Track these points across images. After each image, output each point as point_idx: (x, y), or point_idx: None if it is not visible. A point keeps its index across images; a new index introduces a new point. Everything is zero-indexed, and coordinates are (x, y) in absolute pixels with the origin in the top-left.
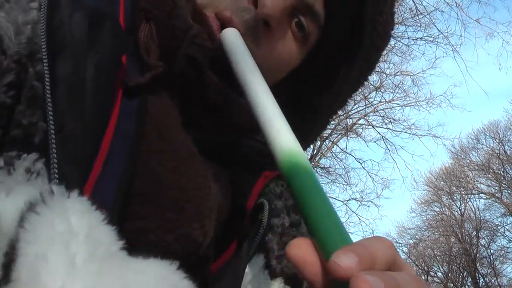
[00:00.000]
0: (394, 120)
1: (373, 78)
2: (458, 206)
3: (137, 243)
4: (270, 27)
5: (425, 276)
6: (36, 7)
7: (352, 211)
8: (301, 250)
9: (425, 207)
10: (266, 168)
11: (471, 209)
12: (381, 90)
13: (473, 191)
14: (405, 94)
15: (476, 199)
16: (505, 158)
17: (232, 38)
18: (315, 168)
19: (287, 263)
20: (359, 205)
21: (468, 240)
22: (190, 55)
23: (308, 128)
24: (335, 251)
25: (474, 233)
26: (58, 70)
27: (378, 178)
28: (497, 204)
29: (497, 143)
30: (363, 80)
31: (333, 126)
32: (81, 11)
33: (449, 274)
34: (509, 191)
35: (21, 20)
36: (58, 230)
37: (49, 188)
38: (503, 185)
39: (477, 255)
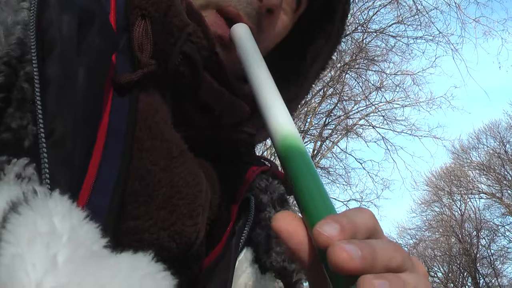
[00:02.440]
0: (395, 120)
1: (373, 77)
2: (459, 206)
3: (132, 242)
4: (273, 12)
5: None
6: (26, 7)
7: None
8: (286, 222)
9: (425, 207)
10: (252, 163)
11: (472, 209)
12: (382, 90)
13: (474, 191)
14: (405, 95)
15: (477, 199)
16: (505, 158)
17: (241, 33)
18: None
19: (276, 257)
20: (359, 206)
21: (469, 240)
22: (186, 52)
23: (294, 92)
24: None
25: (475, 233)
26: (47, 72)
27: (378, 179)
28: (497, 204)
29: (497, 143)
30: (339, 38)
31: (333, 126)
32: (71, 11)
33: (450, 274)
34: (509, 191)
35: (10, 21)
36: (40, 230)
37: (31, 188)
38: (504, 185)
39: (478, 255)
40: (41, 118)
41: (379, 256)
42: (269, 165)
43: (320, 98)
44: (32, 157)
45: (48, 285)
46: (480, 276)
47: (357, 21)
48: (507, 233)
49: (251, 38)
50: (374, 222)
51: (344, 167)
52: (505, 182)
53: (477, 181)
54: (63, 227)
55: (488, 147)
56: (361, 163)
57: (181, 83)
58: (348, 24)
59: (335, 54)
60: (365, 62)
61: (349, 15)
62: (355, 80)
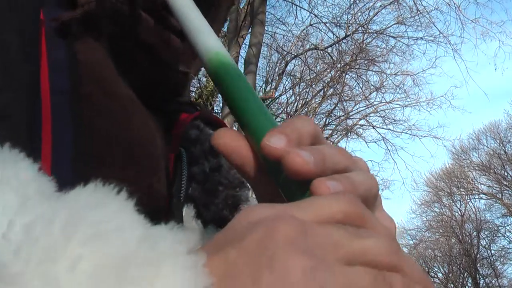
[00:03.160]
0: (395, 120)
1: (374, 78)
2: (459, 207)
3: None
4: None
5: None
6: None
7: None
8: (227, 138)
9: (426, 208)
10: (183, 109)
11: (472, 209)
12: (382, 91)
13: (474, 192)
14: (405, 95)
15: (477, 200)
16: (505, 158)
17: None
18: None
19: (215, 208)
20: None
21: (469, 240)
22: None
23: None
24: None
25: (475, 233)
26: None
27: (379, 179)
28: (497, 204)
29: (497, 144)
30: None
31: (334, 126)
32: None
33: (450, 275)
34: (509, 192)
35: None
36: (5, 176)
37: None
38: (504, 185)
39: (478, 255)
40: None
41: (327, 159)
42: (199, 109)
43: (320, 99)
44: None
45: (19, 223)
46: (480, 276)
47: (358, 22)
48: (507, 234)
49: None
50: (315, 128)
51: None
52: (505, 182)
53: (477, 181)
54: (27, 174)
55: (488, 147)
56: None
57: (119, 24)
58: (348, 25)
59: (336, 54)
60: (365, 62)
61: (349, 15)
62: (355, 80)
